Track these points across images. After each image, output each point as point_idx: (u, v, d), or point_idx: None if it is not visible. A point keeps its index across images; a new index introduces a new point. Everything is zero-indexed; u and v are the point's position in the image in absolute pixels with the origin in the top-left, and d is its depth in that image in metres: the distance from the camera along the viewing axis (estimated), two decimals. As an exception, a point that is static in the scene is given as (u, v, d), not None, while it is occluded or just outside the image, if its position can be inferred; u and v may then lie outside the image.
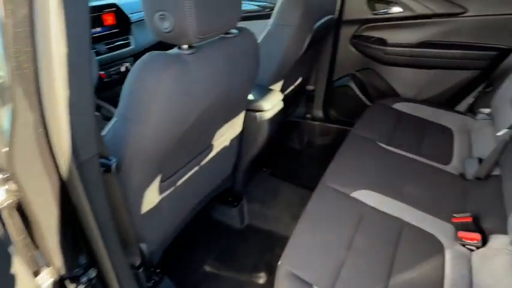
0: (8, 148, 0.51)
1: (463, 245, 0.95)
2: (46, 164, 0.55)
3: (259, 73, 1.16)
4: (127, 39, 1.71)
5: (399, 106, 1.62)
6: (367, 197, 1.09)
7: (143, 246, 0.97)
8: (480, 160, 1.21)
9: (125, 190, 0.79)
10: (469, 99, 1.64)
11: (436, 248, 0.95)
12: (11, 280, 0.60)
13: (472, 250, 0.94)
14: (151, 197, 0.90)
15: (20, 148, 0.51)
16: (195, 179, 1.10)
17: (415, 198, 1.10)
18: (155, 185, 0.88)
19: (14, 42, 0.47)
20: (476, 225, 0.96)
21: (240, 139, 1.32)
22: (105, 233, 0.68)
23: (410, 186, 1.14)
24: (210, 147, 1.10)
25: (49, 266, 0.66)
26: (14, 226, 0.57)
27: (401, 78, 1.78)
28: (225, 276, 1.35)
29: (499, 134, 1.11)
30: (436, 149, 1.34)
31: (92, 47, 1.45)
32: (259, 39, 1.38)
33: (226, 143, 1.20)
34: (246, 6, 2.14)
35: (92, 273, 0.71)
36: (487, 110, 1.47)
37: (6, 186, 0.54)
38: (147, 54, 0.72)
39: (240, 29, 0.94)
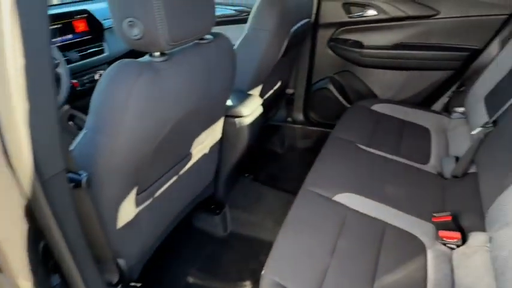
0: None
1: (444, 244, 0.96)
2: (6, 182, 0.51)
3: (238, 78, 1.14)
4: (100, 46, 1.66)
5: (378, 107, 1.64)
6: (349, 200, 1.09)
7: (121, 261, 0.93)
8: (457, 158, 1.23)
9: (97, 205, 0.75)
10: (444, 99, 1.69)
11: (418, 248, 0.95)
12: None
13: (452, 249, 0.95)
14: (128, 211, 0.86)
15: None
16: (174, 189, 1.07)
17: (396, 199, 1.10)
18: (131, 198, 0.85)
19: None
20: (455, 224, 0.97)
21: (220, 146, 1.29)
22: (76, 252, 0.64)
23: (391, 187, 1.15)
24: (188, 155, 1.07)
25: (16, 290, 0.61)
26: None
27: (379, 80, 1.81)
28: (209, 286, 1.31)
29: (474, 132, 1.13)
30: (414, 149, 1.36)
31: (63, 55, 1.41)
32: (236, 44, 1.36)
33: (206, 150, 1.17)
34: (223, 10, 2.13)
35: (65, 294, 0.67)
36: (461, 109, 1.51)
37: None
38: (117, 62, 0.69)
39: (215, 35, 0.92)
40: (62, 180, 0.57)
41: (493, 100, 1.22)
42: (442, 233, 0.96)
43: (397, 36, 1.67)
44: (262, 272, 0.88)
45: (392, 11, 1.62)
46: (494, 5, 1.46)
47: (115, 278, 0.89)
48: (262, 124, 1.43)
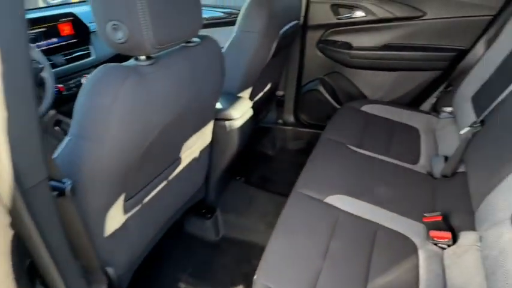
0: None
1: (436, 244, 0.96)
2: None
3: (227, 81, 1.13)
4: (87, 49, 1.63)
5: (367, 108, 1.64)
6: (341, 201, 1.09)
7: (110, 270, 0.91)
8: (446, 158, 1.24)
9: (83, 213, 0.73)
10: (432, 99, 1.70)
11: (409, 249, 0.95)
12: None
13: (444, 249, 0.96)
14: (115, 218, 0.84)
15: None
16: (163, 194, 1.05)
17: (387, 200, 1.10)
18: (118, 205, 0.83)
19: None
20: (446, 224, 0.97)
21: (210, 149, 1.28)
22: (60, 262, 0.62)
23: (381, 188, 1.15)
24: (178, 160, 1.05)
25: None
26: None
27: (368, 81, 1.82)
28: (201, 292, 1.29)
29: (462, 132, 1.14)
30: (404, 149, 1.37)
31: (48, 59, 1.38)
32: (225, 46, 1.35)
33: (196, 154, 1.16)
34: (211, 13, 2.12)
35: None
36: (449, 109, 1.53)
37: None
38: (101, 67, 0.67)
39: (203, 37, 0.91)
40: (44, 189, 0.56)
41: (480, 100, 1.24)
42: (433, 233, 0.96)
43: (385, 37, 1.68)
44: (255, 277, 0.87)
45: (380, 13, 1.63)
46: (479, 6, 1.48)
47: (104, 288, 0.87)
48: (252, 126, 1.42)
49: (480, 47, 1.48)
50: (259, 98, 1.65)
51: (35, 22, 1.43)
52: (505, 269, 0.71)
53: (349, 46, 1.76)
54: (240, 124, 1.26)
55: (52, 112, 1.42)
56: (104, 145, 0.67)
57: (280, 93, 2.02)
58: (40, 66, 1.22)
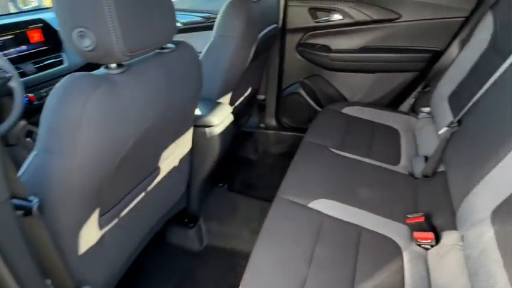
0: None
1: (419, 245, 0.97)
2: None
3: (205, 86, 1.10)
4: (59, 56, 1.56)
5: (348, 110, 1.65)
6: (324, 206, 1.08)
7: (86, 289, 0.86)
8: (426, 158, 1.26)
9: (54, 232, 0.68)
10: (411, 100, 1.73)
11: (394, 251, 0.95)
12: None
13: (427, 249, 0.96)
14: (90, 234, 0.80)
15: None
16: (142, 206, 1.01)
17: (370, 202, 1.10)
18: (93, 220, 0.78)
19: None
20: (429, 224, 0.98)
21: (191, 157, 1.25)
22: (27, 285, 0.58)
23: (364, 191, 1.15)
24: (156, 170, 1.02)
25: None
26: None
27: (348, 83, 1.83)
28: (186, 304, 1.26)
29: (440, 132, 1.16)
30: (385, 151, 1.38)
31: (16, 68, 1.31)
32: (203, 51, 1.33)
33: (175, 163, 1.12)
34: (189, 17, 2.09)
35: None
36: (427, 109, 1.55)
37: None
38: (68, 76, 0.64)
39: (178, 43, 0.88)
40: (6, 210, 0.51)
41: (456, 100, 1.26)
42: (416, 234, 0.97)
43: (363, 40, 1.70)
44: (240, 287, 0.85)
45: (357, 15, 1.65)
46: (452, 8, 1.52)
47: (80, 308, 0.82)
48: (234, 132, 1.40)
49: (454, 48, 1.52)
50: (240, 103, 1.63)
51: (2, 29, 1.37)
52: (487, 269, 0.71)
53: (328, 49, 1.76)
54: (220, 130, 1.23)
55: (23, 123, 1.36)
56: (73, 159, 0.63)
57: (261, 97, 2.01)
58: (8, 75, 1.16)
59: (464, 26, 1.50)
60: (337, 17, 1.69)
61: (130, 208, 0.95)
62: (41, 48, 1.49)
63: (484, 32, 1.29)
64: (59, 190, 0.65)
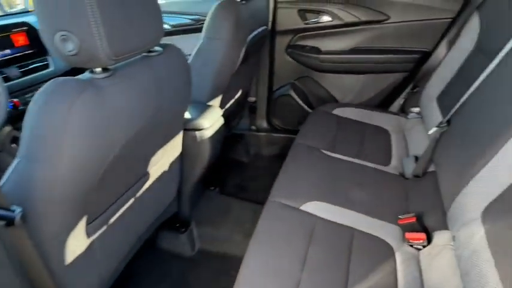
0: None
1: (411, 246, 0.97)
2: None
3: (195, 89, 1.09)
4: (44, 60, 1.53)
5: (338, 111, 1.65)
6: (316, 208, 1.07)
7: (74, 299, 0.84)
8: (416, 158, 1.26)
9: (39, 242, 0.66)
10: (400, 100, 1.74)
11: (387, 252, 0.95)
12: None
13: (419, 250, 0.96)
14: (78, 243, 0.78)
15: None
16: (132, 212, 0.99)
17: (362, 204, 1.10)
18: (80, 228, 0.76)
19: None
20: (420, 224, 0.98)
21: (181, 161, 1.23)
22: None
23: (356, 192, 1.15)
24: (146, 175, 1.00)
25: None
26: None
27: (338, 84, 1.84)
28: (179, 310, 1.24)
29: (430, 132, 1.16)
30: (376, 151, 1.38)
31: (0, 72, 1.28)
32: (192, 54, 1.31)
33: (165, 167, 1.10)
34: (179, 20, 2.07)
35: None
36: (416, 109, 1.56)
37: None
38: (52, 80, 0.62)
39: (165, 46, 0.87)
40: (-13, 221, 0.49)
41: (445, 100, 1.27)
42: (408, 234, 0.97)
43: (352, 41, 1.70)
44: None
45: (346, 17, 1.65)
46: (439, 9, 1.53)
47: (68, 319, 0.80)
48: (225, 135, 1.39)
49: (442, 48, 1.53)
50: (231, 105, 1.62)
51: (-16, 33, 1.33)
52: (479, 269, 0.71)
53: (317, 50, 1.77)
54: (210, 134, 1.22)
55: (8, 128, 1.32)
56: (58, 167, 0.61)
57: (252, 99, 2.00)
58: (-10, 80, 1.13)
59: (452, 27, 1.52)
60: (326, 18, 1.69)
61: (119, 215, 0.93)
62: (26, 52, 1.45)
63: (470, 32, 1.31)
64: (43, 199, 0.63)
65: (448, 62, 1.39)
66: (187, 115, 1.19)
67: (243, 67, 1.48)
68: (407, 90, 1.71)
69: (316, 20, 1.71)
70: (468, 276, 0.74)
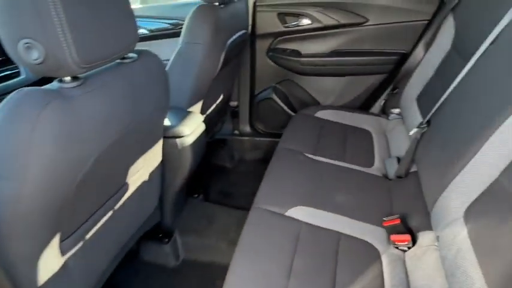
0: None
1: (397, 248, 0.97)
2: None
3: (174, 95, 1.06)
4: (16, 68, 1.46)
5: (321, 114, 1.65)
6: (301, 213, 1.06)
7: (49, 322, 0.79)
8: (399, 159, 1.27)
9: (6, 263, 0.62)
10: (381, 101, 1.76)
11: (373, 255, 0.94)
12: None
13: (405, 251, 0.96)
14: (50, 262, 0.73)
15: None
16: (111, 225, 0.94)
17: (347, 207, 1.09)
18: (53, 247, 0.72)
19: None
20: (405, 226, 0.98)
21: (162, 169, 1.19)
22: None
23: (341, 195, 1.14)
24: (124, 186, 0.96)
25: None
26: None
27: (319, 87, 1.84)
28: (163, 325, 1.19)
29: (411, 133, 1.17)
30: (359, 153, 1.39)
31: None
32: (170, 59, 1.28)
33: (145, 177, 1.07)
34: (157, 24, 2.03)
35: None
36: (396, 110, 1.58)
37: None
38: (16, 91, 0.58)
39: (140, 52, 0.84)
40: None
41: (424, 101, 1.29)
42: (393, 237, 0.97)
43: (332, 44, 1.71)
44: None
45: (325, 20, 1.66)
46: (416, 11, 1.56)
47: None
48: (207, 141, 1.36)
49: (420, 50, 1.56)
50: (212, 111, 1.59)
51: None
52: (463, 269, 0.71)
53: (298, 53, 1.77)
54: (192, 140, 1.19)
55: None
56: (25, 184, 0.57)
57: (234, 103, 1.98)
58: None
59: (428, 29, 1.55)
60: (306, 21, 1.69)
61: (97, 229, 0.88)
62: (-6, 60, 1.38)
63: (446, 34, 1.33)
64: (10, 218, 0.59)
65: (426, 63, 1.42)
66: (166, 122, 1.15)
67: (223, 71, 1.46)
68: (388, 91, 1.73)
69: (296, 23, 1.70)
70: (454, 277, 0.74)
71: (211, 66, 1.31)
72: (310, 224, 1.02)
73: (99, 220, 0.88)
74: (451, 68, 1.17)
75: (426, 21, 1.56)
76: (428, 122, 1.13)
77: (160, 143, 1.09)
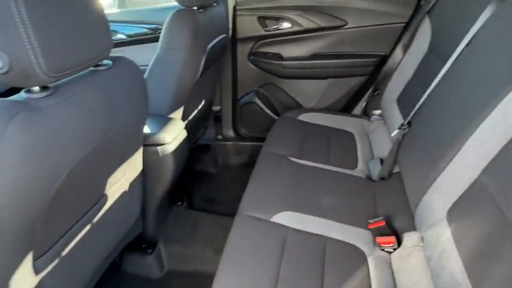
0: None
1: (383, 250, 0.97)
2: None
3: (154, 102, 1.03)
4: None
5: (304, 117, 1.65)
6: (287, 219, 1.04)
7: None
8: (382, 160, 1.28)
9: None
10: (362, 103, 1.78)
11: (359, 258, 0.94)
12: None
13: (390, 253, 0.96)
14: (23, 283, 0.69)
15: None
16: (90, 239, 0.90)
17: (332, 210, 1.09)
18: (25, 266, 0.68)
19: None
20: (390, 228, 0.98)
21: (143, 178, 1.16)
22: None
23: (326, 199, 1.14)
24: (103, 198, 0.92)
25: None
26: None
27: (301, 90, 1.85)
28: None
29: (393, 134, 1.18)
30: (342, 155, 1.39)
31: None
32: (149, 65, 1.25)
33: (125, 187, 1.03)
34: (136, 29, 1.99)
35: None
36: (378, 112, 1.60)
37: None
38: (-22, 104, 0.54)
39: (115, 59, 0.81)
40: None
41: (404, 102, 1.31)
42: (379, 239, 0.97)
43: (313, 47, 1.72)
44: None
45: (306, 23, 1.67)
46: (393, 14, 1.59)
47: None
48: (190, 146, 1.33)
49: (398, 52, 1.58)
50: (194, 117, 1.56)
51: None
52: (449, 270, 0.72)
53: (279, 57, 1.76)
54: (173, 148, 1.16)
55: None
56: (-10, 202, 0.53)
57: (216, 108, 1.95)
58: None
59: (406, 31, 1.57)
60: (286, 25, 1.69)
61: (74, 244, 0.84)
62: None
63: (423, 36, 1.36)
64: (-25, 239, 0.55)
65: (405, 65, 1.44)
66: (146, 130, 1.12)
67: (204, 76, 1.44)
68: (369, 93, 1.74)
69: (276, 26, 1.70)
70: (439, 278, 0.74)
71: (191, 72, 1.28)
72: (296, 229, 1.01)
73: (76, 235, 0.84)
74: (429, 69, 1.19)
75: (404, 24, 1.59)
76: (409, 123, 1.15)
77: (140, 151, 1.06)
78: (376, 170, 1.26)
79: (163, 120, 1.21)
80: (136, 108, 0.89)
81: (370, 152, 1.44)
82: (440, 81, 1.05)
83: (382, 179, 1.22)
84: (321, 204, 1.11)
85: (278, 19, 1.69)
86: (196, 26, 1.24)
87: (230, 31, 1.70)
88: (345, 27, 1.65)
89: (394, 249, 0.96)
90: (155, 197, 1.24)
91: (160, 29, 1.29)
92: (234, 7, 1.69)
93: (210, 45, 1.38)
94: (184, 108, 1.37)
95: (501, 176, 0.69)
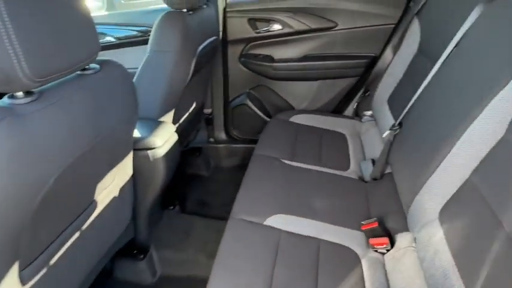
0: None
1: (376, 251, 0.97)
2: None
3: (144, 106, 1.01)
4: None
5: (296, 119, 1.65)
6: (280, 221, 1.04)
7: None
8: (373, 161, 1.28)
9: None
10: (354, 104, 1.78)
11: (353, 260, 0.94)
12: None
13: (384, 254, 0.96)
14: (9, 294, 0.67)
15: None
16: (79, 246, 0.88)
17: (325, 212, 1.09)
18: (11, 277, 0.65)
19: None
20: (382, 229, 0.99)
21: (134, 183, 1.14)
22: None
23: (319, 201, 1.14)
24: (92, 204, 0.90)
25: None
26: None
27: (293, 91, 1.84)
28: None
29: (384, 135, 1.19)
30: (335, 157, 1.39)
31: None
32: (139, 68, 1.23)
33: (115, 193, 1.01)
34: (125, 32, 1.97)
35: None
36: (369, 113, 1.61)
37: None
38: (-41, 110, 0.52)
39: (103, 62, 0.79)
40: None
41: (395, 103, 1.31)
42: (372, 240, 0.97)
43: (303, 49, 1.72)
44: None
45: (296, 25, 1.67)
46: (382, 15, 1.60)
47: None
48: (182, 149, 1.31)
49: (388, 53, 1.59)
50: (185, 120, 1.55)
51: None
52: (442, 271, 0.72)
53: (270, 59, 1.76)
54: (164, 152, 1.14)
55: None
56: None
57: (208, 111, 1.94)
58: None
59: (395, 32, 1.59)
60: (276, 27, 1.69)
61: (63, 252, 0.82)
62: None
63: (412, 37, 1.37)
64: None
65: (395, 66, 1.45)
66: (137, 134, 1.10)
67: (195, 79, 1.43)
68: (360, 94, 1.75)
69: (267, 28, 1.70)
70: (432, 278, 0.74)
71: (182, 74, 1.27)
72: (290, 232, 1.01)
73: (65, 243, 0.82)
74: (419, 70, 1.20)
75: (393, 25, 1.60)
76: (400, 124, 1.15)
77: (130, 156, 1.04)
78: (368, 170, 1.26)
79: (153, 124, 1.19)
80: (125, 112, 0.87)
81: (362, 152, 1.44)
82: (430, 82, 1.05)
83: (375, 179, 1.22)
84: (313, 206, 1.11)
85: (269, 21, 1.69)
86: (186, 28, 1.23)
87: (220, 33, 1.69)
88: (335, 28, 1.65)
89: (388, 250, 0.96)
90: (146, 202, 1.22)
91: (150, 32, 1.28)
92: (224, 9, 1.68)
93: (201, 47, 1.37)
94: (175, 111, 1.36)
95: (492, 176, 0.69)
